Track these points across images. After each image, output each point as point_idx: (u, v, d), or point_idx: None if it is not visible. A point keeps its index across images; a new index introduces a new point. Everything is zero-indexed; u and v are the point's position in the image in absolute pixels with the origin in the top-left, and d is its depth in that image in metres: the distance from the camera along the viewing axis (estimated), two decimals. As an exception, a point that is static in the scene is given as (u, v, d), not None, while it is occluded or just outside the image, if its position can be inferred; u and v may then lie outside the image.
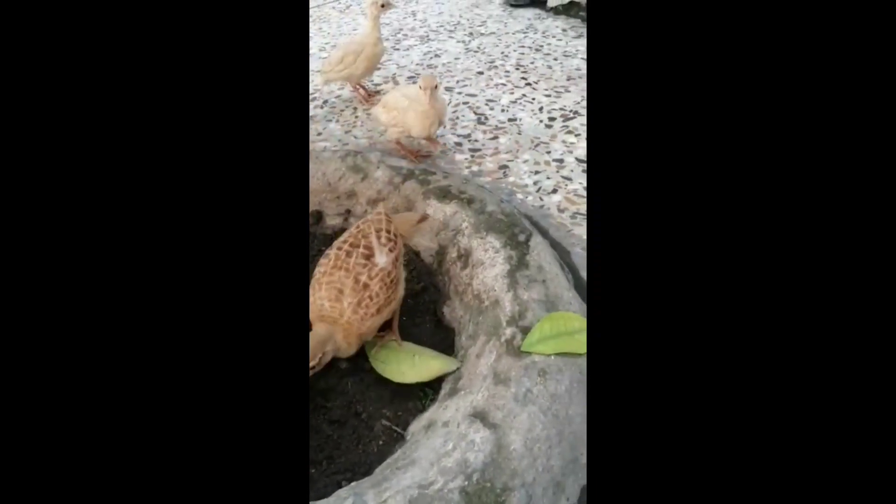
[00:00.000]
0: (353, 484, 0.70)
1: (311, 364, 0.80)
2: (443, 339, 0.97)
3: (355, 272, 0.86)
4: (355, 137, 1.55)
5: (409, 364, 0.89)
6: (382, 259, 0.88)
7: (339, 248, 0.90)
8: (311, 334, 0.83)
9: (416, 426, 0.79)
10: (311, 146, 1.54)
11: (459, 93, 1.74)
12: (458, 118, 1.61)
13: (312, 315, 0.86)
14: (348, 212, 1.25)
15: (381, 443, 0.83)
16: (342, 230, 1.24)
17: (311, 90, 1.80)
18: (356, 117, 1.65)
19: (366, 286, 0.85)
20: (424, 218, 1.05)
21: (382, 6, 1.52)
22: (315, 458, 0.81)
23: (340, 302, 0.84)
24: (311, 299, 0.87)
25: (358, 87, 1.71)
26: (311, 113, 1.69)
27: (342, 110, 1.69)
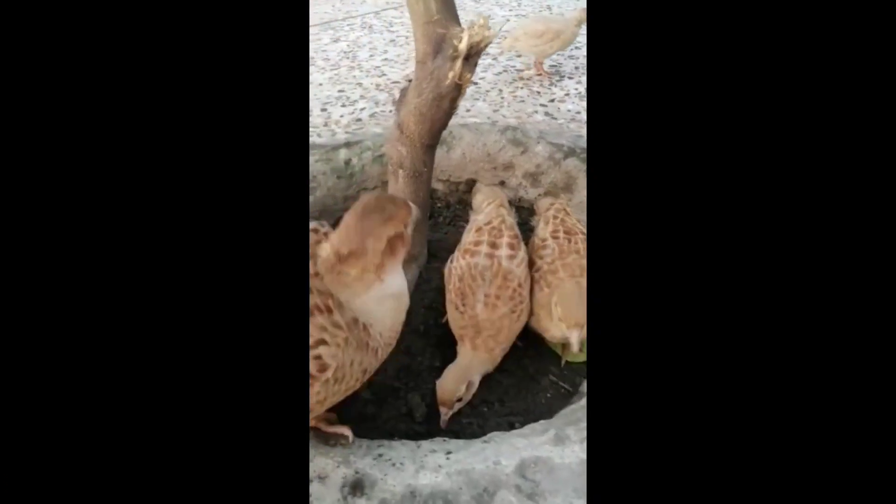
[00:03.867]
0: (540, 421, 0.73)
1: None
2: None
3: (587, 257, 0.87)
4: (504, 116, 1.59)
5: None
6: None
7: (555, 237, 0.91)
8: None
9: (592, 382, 0.82)
10: (463, 122, 1.60)
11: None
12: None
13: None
14: (502, 183, 1.30)
15: (548, 395, 0.86)
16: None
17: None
18: (502, 98, 1.69)
19: None
20: None
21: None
22: (487, 398, 0.85)
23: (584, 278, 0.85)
24: (544, 286, 0.86)
25: (540, 63, 1.77)
26: (458, 90, 1.76)
27: (488, 91, 1.74)
